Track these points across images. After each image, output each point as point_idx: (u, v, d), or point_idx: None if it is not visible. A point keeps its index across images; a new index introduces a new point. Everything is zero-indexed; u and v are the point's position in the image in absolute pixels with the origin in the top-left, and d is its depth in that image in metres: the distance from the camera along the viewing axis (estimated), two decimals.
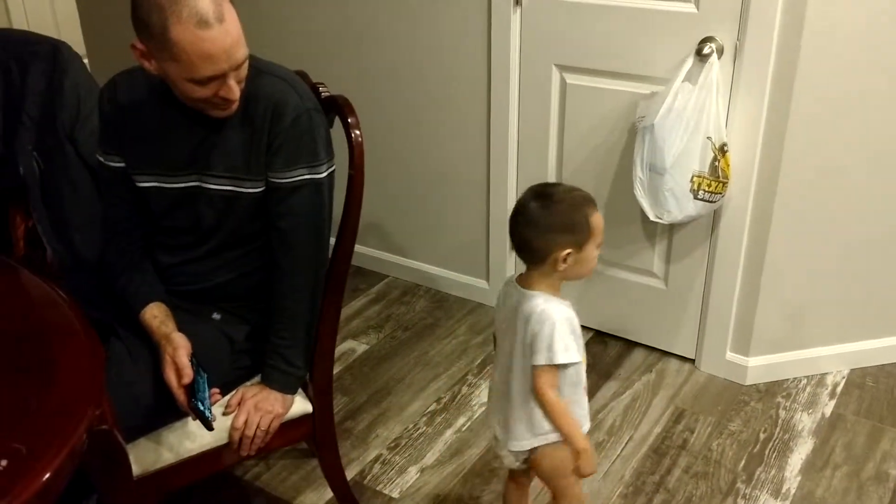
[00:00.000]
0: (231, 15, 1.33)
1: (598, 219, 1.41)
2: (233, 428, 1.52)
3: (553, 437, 1.47)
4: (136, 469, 1.46)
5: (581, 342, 1.43)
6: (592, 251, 1.42)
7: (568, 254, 1.38)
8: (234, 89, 1.38)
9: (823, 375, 2.34)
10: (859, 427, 2.14)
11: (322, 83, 1.63)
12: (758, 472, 2.00)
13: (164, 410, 1.48)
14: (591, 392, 2.29)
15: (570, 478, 1.52)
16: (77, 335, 1.26)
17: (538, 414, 1.45)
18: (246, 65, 1.40)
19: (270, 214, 1.52)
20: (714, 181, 1.99)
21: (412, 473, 2.03)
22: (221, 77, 1.36)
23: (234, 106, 1.43)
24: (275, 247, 1.53)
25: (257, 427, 1.52)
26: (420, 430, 2.18)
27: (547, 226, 1.38)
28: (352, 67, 2.65)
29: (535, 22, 2.25)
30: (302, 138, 1.46)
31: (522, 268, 1.47)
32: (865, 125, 2.02)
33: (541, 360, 1.39)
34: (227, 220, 1.53)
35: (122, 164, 1.55)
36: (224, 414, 1.54)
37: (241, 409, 1.53)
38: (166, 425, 1.52)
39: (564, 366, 1.40)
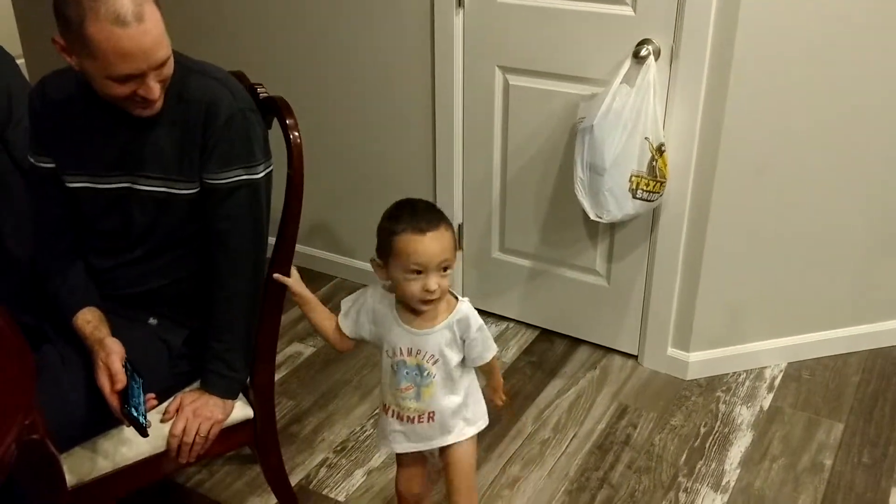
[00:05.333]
0: (152, 14, 1.31)
1: (403, 241, 1.39)
2: (171, 435, 1.49)
3: None
4: (72, 479, 1.43)
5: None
6: (398, 273, 1.41)
7: (372, 259, 1.47)
8: (154, 89, 1.36)
9: (762, 369, 2.39)
10: (796, 419, 2.20)
11: (260, 84, 1.61)
12: (699, 466, 2.04)
13: (99, 418, 1.45)
14: (538, 390, 2.32)
15: None
16: (5, 341, 1.22)
17: None
18: (169, 65, 1.37)
19: (207, 216, 1.50)
20: (652, 181, 2.02)
21: (358, 476, 2.02)
22: (140, 76, 1.34)
23: (157, 106, 1.40)
24: (213, 249, 1.51)
25: (196, 434, 1.50)
26: (367, 433, 2.17)
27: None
28: (299, 68, 2.63)
29: (478, 24, 2.26)
30: (236, 139, 1.44)
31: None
32: (798, 124, 2.08)
33: None
34: (160, 223, 1.51)
35: (52, 165, 1.51)
36: (162, 421, 1.51)
37: (179, 416, 1.50)
38: (102, 433, 1.49)
39: None
